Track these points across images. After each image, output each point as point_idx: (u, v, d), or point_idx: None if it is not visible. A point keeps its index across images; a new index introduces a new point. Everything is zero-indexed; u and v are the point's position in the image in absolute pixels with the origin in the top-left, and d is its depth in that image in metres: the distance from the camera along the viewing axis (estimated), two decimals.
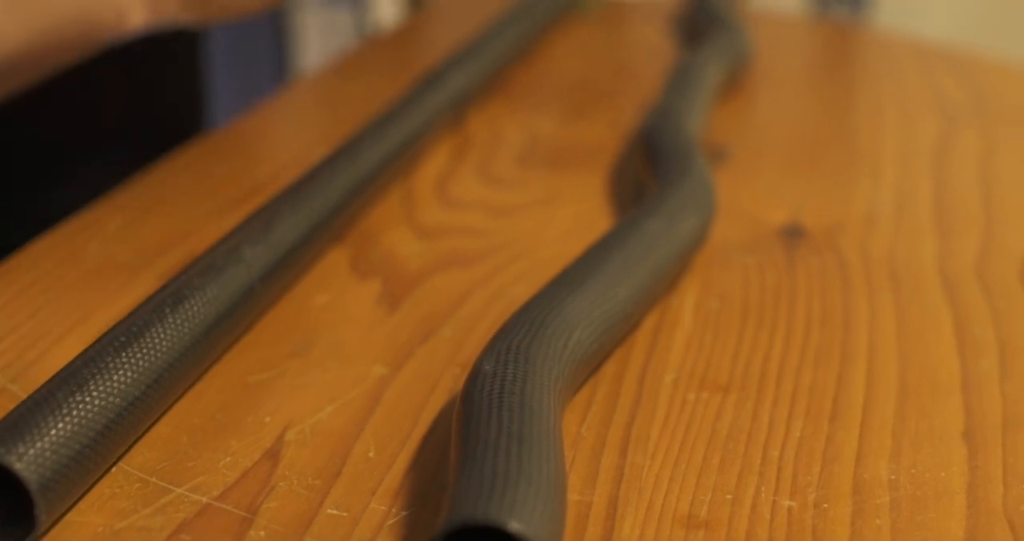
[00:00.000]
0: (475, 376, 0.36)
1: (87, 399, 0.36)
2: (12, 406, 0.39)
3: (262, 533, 0.35)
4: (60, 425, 0.35)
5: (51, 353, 0.45)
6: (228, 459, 0.38)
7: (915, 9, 1.93)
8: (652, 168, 0.57)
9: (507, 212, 0.59)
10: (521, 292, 0.50)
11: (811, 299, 0.50)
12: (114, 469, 0.38)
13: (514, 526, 0.29)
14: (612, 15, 1.04)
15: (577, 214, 0.59)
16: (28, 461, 0.33)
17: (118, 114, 0.72)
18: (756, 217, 0.58)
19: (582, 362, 0.41)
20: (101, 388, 0.37)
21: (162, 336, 0.40)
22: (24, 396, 0.40)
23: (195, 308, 0.42)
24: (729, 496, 0.37)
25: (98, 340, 0.39)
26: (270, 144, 0.67)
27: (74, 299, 0.49)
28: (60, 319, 0.47)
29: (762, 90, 0.83)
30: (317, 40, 1.96)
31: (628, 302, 0.44)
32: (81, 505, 0.36)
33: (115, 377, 0.38)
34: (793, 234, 0.56)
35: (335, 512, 0.36)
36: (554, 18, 0.93)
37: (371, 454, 0.39)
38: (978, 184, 0.64)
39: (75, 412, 0.36)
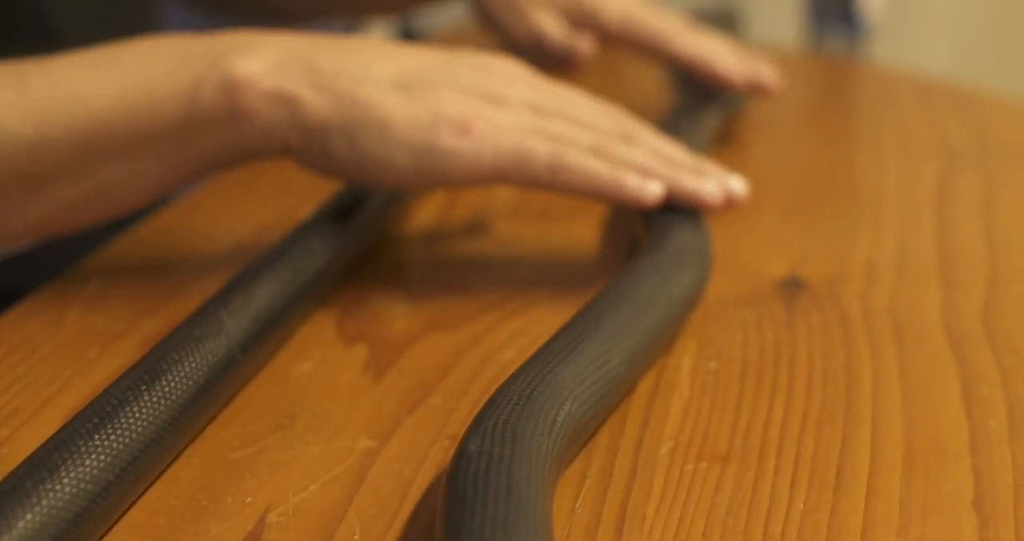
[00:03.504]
0: (460, 457, 0.35)
1: (57, 487, 0.35)
2: None
3: None
4: (29, 516, 0.34)
5: (24, 431, 0.43)
6: None
7: (913, 37, 1.92)
8: (645, 220, 0.56)
9: (497, 268, 0.57)
10: (512, 356, 0.48)
11: (812, 357, 0.48)
12: None
13: None
14: (608, 54, 1.02)
15: (569, 270, 0.57)
16: None
17: None
18: (754, 269, 0.57)
19: (574, 435, 0.39)
20: (72, 474, 0.35)
21: (137, 415, 0.39)
22: None
23: (172, 384, 0.40)
24: None
25: (71, 421, 0.38)
26: (253, 203, 0.66)
27: (50, 370, 0.47)
28: (35, 393, 0.46)
29: (759, 132, 0.81)
30: None
31: (622, 368, 0.43)
32: None
33: (88, 462, 0.36)
34: (793, 286, 0.55)
35: None
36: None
37: (356, 537, 0.37)
38: (982, 229, 0.62)
39: (45, 501, 0.34)
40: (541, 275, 0.56)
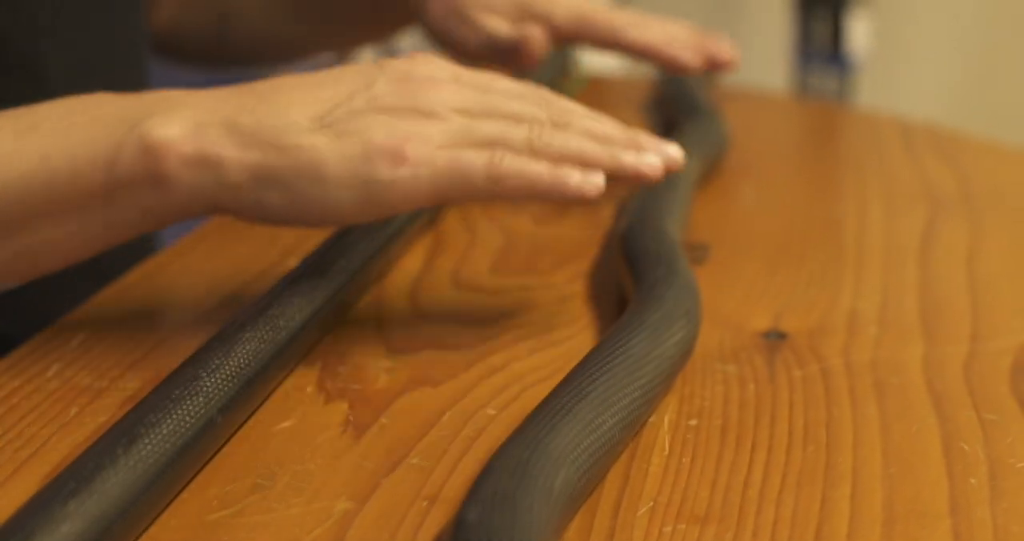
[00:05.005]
0: (460, 525, 0.35)
1: None
2: None
3: None
4: None
5: (0, 494, 0.43)
6: None
7: (898, 81, 1.93)
8: (632, 275, 0.56)
9: (481, 322, 0.57)
10: (494, 413, 0.48)
11: (793, 414, 0.48)
12: None
13: None
14: (588, 98, 1.03)
15: (553, 324, 0.57)
16: None
17: None
18: (737, 322, 0.57)
19: (571, 501, 0.39)
20: None
21: (113, 481, 0.38)
22: None
23: (149, 447, 0.40)
24: None
25: (46, 486, 0.38)
26: (238, 253, 0.66)
27: (29, 429, 0.47)
28: (12, 454, 0.45)
29: (743, 179, 0.82)
30: None
31: (616, 429, 0.43)
32: None
33: (63, 529, 0.36)
34: (775, 339, 0.55)
35: None
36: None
37: None
38: (965, 281, 0.63)
39: None
40: (524, 329, 0.56)
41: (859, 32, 1.69)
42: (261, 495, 0.43)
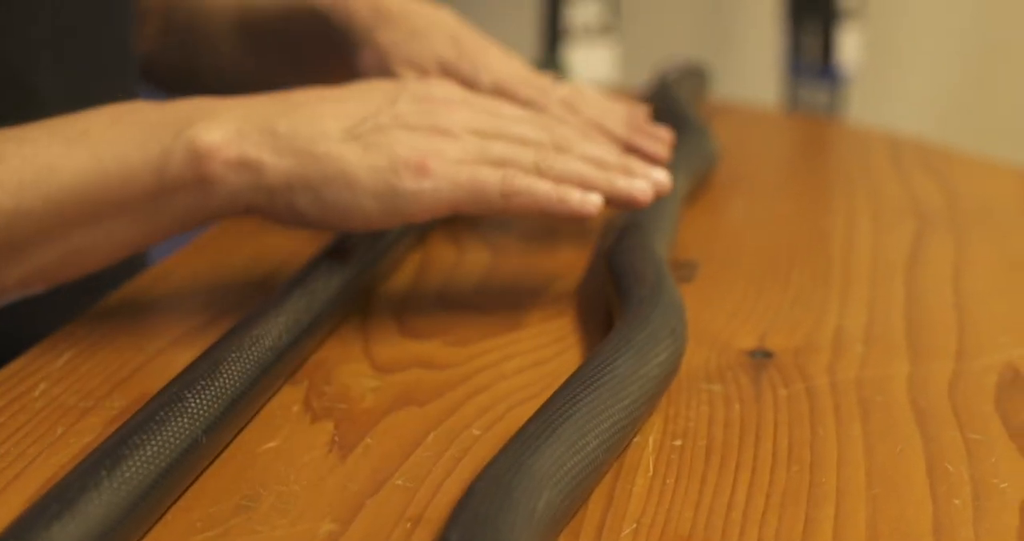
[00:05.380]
0: None
1: None
2: None
3: None
4: None
5: None
6: None
7: (887, 95, 1.93)
8: (618, 294, 0.56)
9: (467, 341, 0.57)
10: (479, 434, 0.48)
11: (778, 433, 0.48)
12: None
13: None
14: None
15: (540, 344, 0.57)
16: None
17: None
18: (723, 341, 0.57)
19: (553, 523, 0.39)
20: None
21: (97, 503, 0.38)
22: None
23: (133, 469, 0.40)
24: None
25: (29, 509, 0.38)
26: (227, 269, 0.66)
27: (15, 449, 0.47)
28: None
29: (732, 194, 0.82)
30: None
31: (599, 451, 0.43)
32: None
33: None
34: (761, 358, 0.55)
35: None
36: None
37: None
38: (951, 298, 0.63)
39: None
40: (510, 348, 0.56)
41: (849, 45, 1.69)
42: (246, 516, 0.43)
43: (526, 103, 0.74)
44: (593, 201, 0.57)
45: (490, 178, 0.56)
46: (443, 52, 0.77)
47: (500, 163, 0.57)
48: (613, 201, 0.58)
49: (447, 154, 0.56)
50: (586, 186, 0.57)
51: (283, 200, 0.55)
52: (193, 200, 0.55)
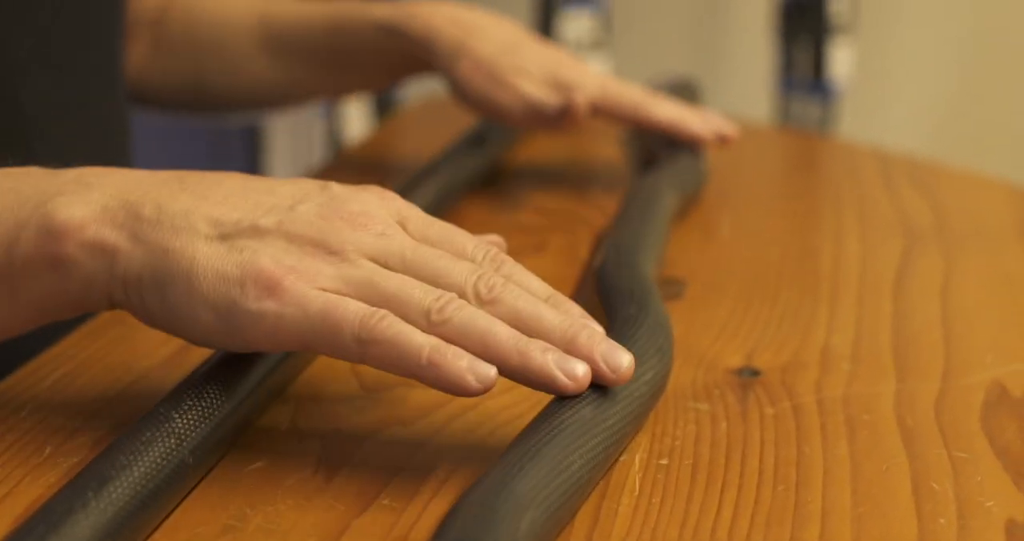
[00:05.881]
0: None
1: None
2: None
3: None
4: None
5: None
6: None
7: (881, 105, 1.94)
8: (607, 312, 0.56)
9: None
10: (466, 453, 0.48)
11: (764, 452, 0.49)
12: None
13: None
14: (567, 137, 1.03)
15: None
16: None
17: None
18: (710, 359, 0.57)
19: None
20: None
21: (84, 524, 0.38)
22: None
23: (120, 491, 0.40)
24: None
25: (15, 531, 0.38)
26: None
27: (2, 470, 0.47)
28: None
29: (721, 211, 0.82)
30: (289, 150, 1.96)
31: (584, 470, 0.43)
32: None
33: None
34: (748, 377, 0.55)
35: None
36: (509, 145, 0.92)
37: None
38: (939, 315, 0.63)
39: None
40: None
41: (841, 60, 1.70)
42: (232, 537, 0.43)
43: (633, 106, 0.82)
44: (480, 373, 0.44)
45: (348, 315, 0.45)
46: (544, 62, 0.83)
47: (383, 302, 0.46)
48: (523, 380, 0.46)
49: (317, 277, 0.46)
50: (486, 352, 0.45)
51: (136, 294, 0.48)
52: (48, 284, 0.48)
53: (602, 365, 0.46)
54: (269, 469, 0.47)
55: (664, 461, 0.48)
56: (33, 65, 0.68)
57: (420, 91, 1.15)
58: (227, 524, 0.43)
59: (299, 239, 0.47)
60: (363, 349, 0.45)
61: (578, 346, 0.46)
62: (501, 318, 0.46)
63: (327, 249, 0.47)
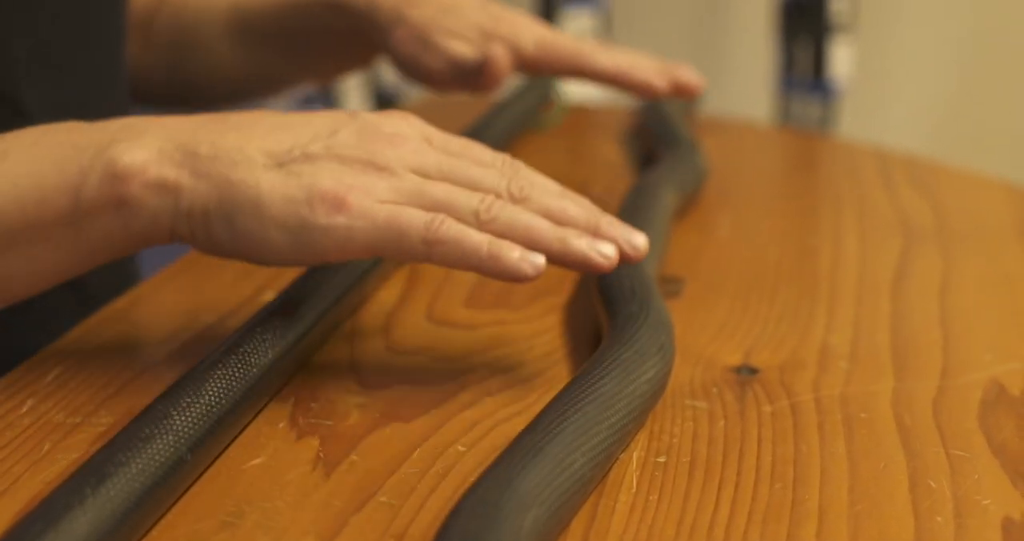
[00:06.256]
0: None
1: None
2: None
3: None
4: None
5: None
6: None
7: (882, 104, 1.94)
8: (607, 310, 0.56)
9: (454, 357, 0.57)
10: (464, 451, 0.48)
11: (761, 450, 0.49)
12: None
13: None
14: (567, 130, 1.03)
15: (527, 359, 0.57)
16: None
17: None
18: (709, 357, 0.57)
19: None
20: None
21: (82, 521, 0.39)
22: None
23: (118, 487, 0.40)
24: None
25: (13, 527, 0.38)
26: (215, 286, 0.66)
27: (1, 467, 0.47)
28: None
29: (720, 210, 0.82)
30: None
31: (587, 469, 0.43)
32: None
33: None
34: (746, 375, 0.55)
35: None
36: (510, 138, 0.92)
37: None
38: (937, 314, 0.63)
39: None
40: (497, 364, 0.57)
41: (841, 59, 1.70)
42: (229, 533, 0.43)
43: (573, 55, 0.79)
44: (533, 262, 0.50)
45: (414, 221, 0.50)
46: (480, 20, 0.81)
47: (435, 207, 0.51)
48: (565, 263, 0.52)
49: (374, 191, 0.51)
50: (533, 243, 0.51)
51: (201, 226, 0.52)
52: (113, 224, 0.52)
53: (625, 245, 0.53)
54: (267, 466, 0.47)
55: (662, 459, 0.48)
56: (33, 65, 0.68)
57: (420, 91, 1.15)
58: (225, 521, 0.44)
59: (348, 160, 0.52)
60: (429, 249, 0.51)
61: (603, 231, 0.53)
62: (534, 213, 0.53)
63: (375, 166, 0.52)
